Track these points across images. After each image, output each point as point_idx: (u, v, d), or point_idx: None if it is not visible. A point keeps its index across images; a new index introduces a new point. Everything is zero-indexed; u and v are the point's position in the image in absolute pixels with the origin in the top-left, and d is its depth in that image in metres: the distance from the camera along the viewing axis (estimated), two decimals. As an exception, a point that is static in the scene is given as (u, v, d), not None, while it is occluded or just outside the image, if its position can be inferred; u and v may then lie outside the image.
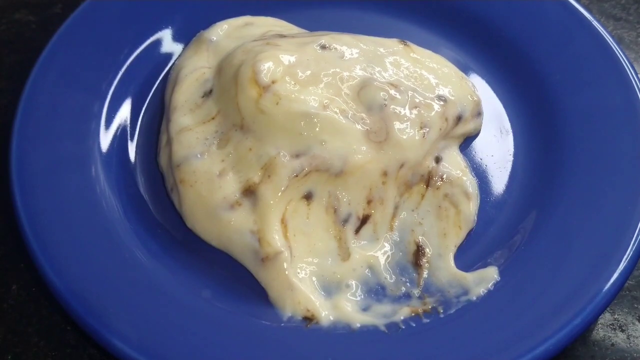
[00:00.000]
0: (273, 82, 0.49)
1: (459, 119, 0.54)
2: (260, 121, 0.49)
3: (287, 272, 0.46)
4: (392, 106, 0.50)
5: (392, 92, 0.51)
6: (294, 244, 0.48)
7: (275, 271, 0.47)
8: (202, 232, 0.49)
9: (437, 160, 0.52)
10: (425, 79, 0.54)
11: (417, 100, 0.52)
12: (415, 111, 0.51)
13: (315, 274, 0.48)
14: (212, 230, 0.49)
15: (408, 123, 0.50)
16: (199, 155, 0.50)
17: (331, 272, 0.48)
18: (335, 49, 0.53)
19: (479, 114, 0.56)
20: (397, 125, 0.50)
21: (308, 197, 0.49)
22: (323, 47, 0.52)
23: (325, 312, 0.46)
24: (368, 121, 0.50)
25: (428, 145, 0.51)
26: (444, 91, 0.54)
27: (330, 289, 0.47)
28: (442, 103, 0.53)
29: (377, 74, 0.52)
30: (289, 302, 0.46)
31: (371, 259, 0.49)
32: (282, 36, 0.56)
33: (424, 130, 0.51)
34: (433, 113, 0.52)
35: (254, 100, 0.49)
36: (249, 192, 0.48)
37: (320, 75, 0.51)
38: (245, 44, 0.54)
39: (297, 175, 0.48)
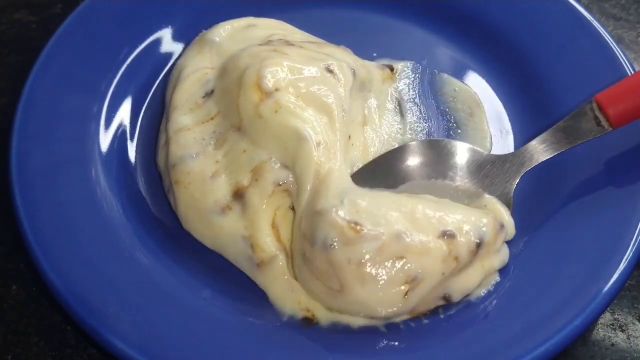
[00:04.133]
0: (276, 89, 0.49)
1: (478, 246, 0.45)
2: (257, 125, 0.49)
3: (285, 274, 0.46)
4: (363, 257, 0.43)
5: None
6: (289, 245, 0.48)
7: (273, 274, 0.47)
8: (197, 235, 0.49)
9: (447, 298, 0.45)
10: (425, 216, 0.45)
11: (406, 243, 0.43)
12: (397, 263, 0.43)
13: None
14: (206, 234, 0.49)
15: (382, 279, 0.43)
16: (194, 155, 0.50)
17: None
18: (339, 77, 0.52)
19: (501, 226, 0.47)
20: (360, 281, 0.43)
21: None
22: (329, 70, 0.52)
23: (325, 312, 0.45)
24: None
25: (415, 302, 0.44)
26: (449, 223, 0.45)
27: None
28: (447, 240, 0.44)
29: None
30: (289, 303, 0.46)
31: None
32: (289, 43, 0.55)
33: (408, 288, 0.43)
34: (429, 257, 0.43)
35: (254, 104, 0.49)
36: (238, 195, 0.48)
37: (321, 98, 0.50)
38: (251, 47, 0.54)
39: (280, 184, 0.48)
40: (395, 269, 0.43)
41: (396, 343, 0.44)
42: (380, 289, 0.43)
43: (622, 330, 0.48)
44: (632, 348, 0.47)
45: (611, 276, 0.44)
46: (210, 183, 0.49)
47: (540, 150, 0.49)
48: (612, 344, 0.48)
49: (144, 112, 0.57)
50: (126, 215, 0.50)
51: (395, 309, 0.43)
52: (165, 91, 0.57)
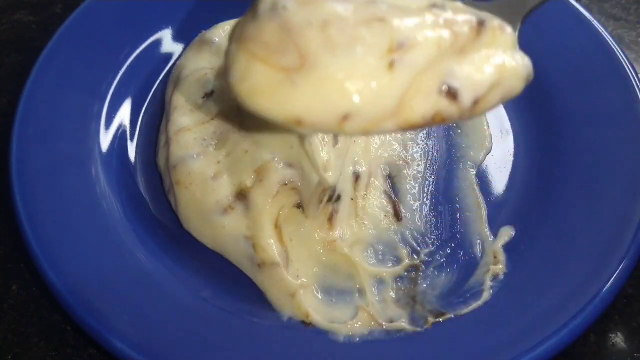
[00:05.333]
0: None
1: (480, 24, 0.34)
2: (259, 125, 0.49)
3: (285, 279, 0.46)
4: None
5: None
6: (290, 248, 0.48)
7: (274, 278, 0.46)
8: (197, 235, 0.49)
9: (451, 94, 0.33)
10: None
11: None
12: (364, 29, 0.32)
13: (315, 278, 0.47)
14: (207, 234, 0.49)
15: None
16: (195, 156, 0.50)
17: (332, 278, 0.48)
18: None
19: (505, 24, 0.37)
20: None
21: (300, 205, 0.49)
22: None
23: (324, 317, 0.45)
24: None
25: (405, 81, 0.32)
26: None
27: (331, 294, 0.47)
28: (439, 10, 0.34)
29: None
30: (288, 306, 0.46)
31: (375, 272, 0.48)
32: None
33: (393, 56, 0.32)
34: (417, 23, 0.33)
35: None
36: (241, 195, 0.48)
37: None
38: None
39: (286, 184, 0.48)
40: (374, 31, 0.31)
41: (395, 343, 0.44)
42: (356, 57, 0.31)
43: (622, 331, 0.48)
44: (632, 348, 0.47)
45: (611, 276, 0.44)
46: (212, 183, 0.49)
47: None
48: (612, 344, 0.47)
49: (144, 112, 0.57)
50: (126, 215, 0.50)
51: (379, 89, 0.31)
52: (165, 91, 0.57)
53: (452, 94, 0.33)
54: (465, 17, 0.33)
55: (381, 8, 0.32)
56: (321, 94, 0.31)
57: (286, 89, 0.32)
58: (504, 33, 0.35)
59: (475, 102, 0.33)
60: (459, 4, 0.36)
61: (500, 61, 0.34)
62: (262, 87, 0.32)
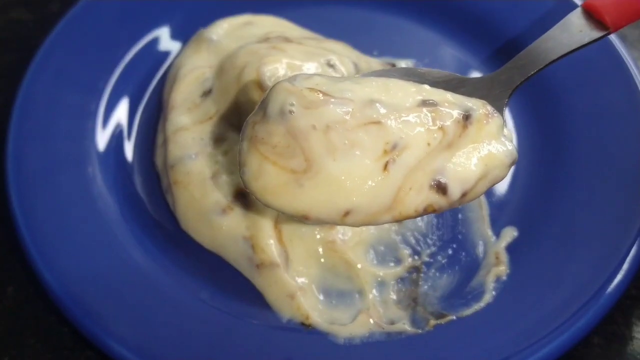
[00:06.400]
0: None
1: (466, 119, 0.38)
2: None
3: (284, 280, 0.46)
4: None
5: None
6: (290, 248, 0.47)
7: (273, 279, 0.46)
8: (195, 235, 0.49)
9: (441, 188, 0.37)
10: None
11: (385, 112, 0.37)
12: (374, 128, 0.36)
13: (315, 279, 0.47)
14: (205, 235, 0.49)
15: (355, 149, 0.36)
16: (193, 156, 0.50)
17: (332, 279, 0.47)
18: (342, 71, 0.51)
19: (493, 111, 0.40)
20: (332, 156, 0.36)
21: None
22: (330, 64, 0.51)
23: (324, 319, 0.45)
24: None
25: (399, 180, 0.37)
26: (429, 93, 0.39)
27: (331, 295, 0.47)
28: (429, 108, 0.38)
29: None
30: (288, 308, 0.45)
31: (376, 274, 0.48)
32: (287, 40, 0.55)
33: (387, 158, 0.36)
34: (409, 124, 0.37)
35: (254, 103, 0.48)
36: (241, 195, 0.48)
37: None
38: (249, 45, 0.53)
39: None
40: (370, 135, 0.36)
41: (396, 343, 0.44)
42: (355, 160, 0.36)
43: (622, 331, 0.48)
44: (632, 348, 0.47)
45: (614, 277, 0.43)
46: (211, 183, 0.49)
47: (529, 63, 0.43)
48: (616, 346, 0.47)
49: (142, 111, 0.57)
50: (123, 215, 0.50)
51: (375, 189, 0.36)
52: (163, 90, 0.57)
53: (442, 188, 0.37)
54: (453, 113, 0.37)
55: (377, 110, 0.36)
56: (325, 194, 0.36)
57: (294, 189, 0.36)
58: (489, 123, 0.38)
59: (464, 194, 0.37)
60: (448, 96, 0.39)
61: (486, 153, 0.38)
62: (272, 186, 0.37)
